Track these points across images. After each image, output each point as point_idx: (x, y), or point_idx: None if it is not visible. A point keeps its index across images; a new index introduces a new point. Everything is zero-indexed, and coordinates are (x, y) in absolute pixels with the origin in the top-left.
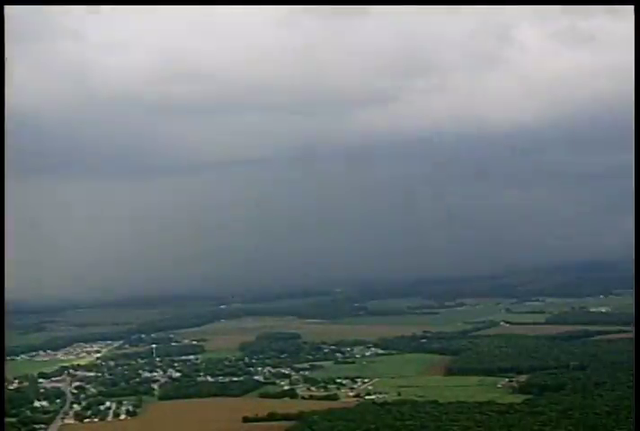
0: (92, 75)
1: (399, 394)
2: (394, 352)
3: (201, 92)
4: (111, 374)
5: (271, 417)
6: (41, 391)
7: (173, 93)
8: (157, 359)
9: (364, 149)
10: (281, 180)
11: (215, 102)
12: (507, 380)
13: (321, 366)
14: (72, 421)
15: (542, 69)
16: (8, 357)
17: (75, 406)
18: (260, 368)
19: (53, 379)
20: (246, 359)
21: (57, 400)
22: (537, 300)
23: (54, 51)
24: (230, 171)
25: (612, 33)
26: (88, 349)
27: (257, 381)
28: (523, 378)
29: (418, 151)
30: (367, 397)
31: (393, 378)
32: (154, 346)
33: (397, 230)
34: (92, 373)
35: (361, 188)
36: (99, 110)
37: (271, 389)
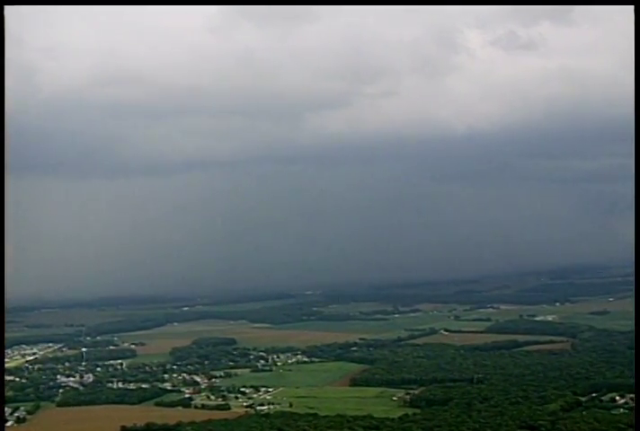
0: (31, 78)
1: (290, 405)
2: (316, 360)
3: (144, 95)
4: (27, 379)
5: (149, 427)
6: None
7: (116, 96)
8: (83, 363)
9: (319, 152)
10: (244, 182)
11: (162, 105)
12: (404, 392)
13: (236, 374)
14: None
15: (493, 74)
16: None
17: None
18: (175, 375)
19: None
20: (168, 365)
21: None
22: (492, 307)
23: None
24: (189, 174)
25: (558, 39)
26: (26, 352)
27: (163, 388)
28: (419, 391)
29: (375, 155)
30: (258, 407)
31: (297, 388)
32: (84, 349)
33: (366, 233)
34: (10, 377)
35: (322, 191)
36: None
37: (172, 397)
